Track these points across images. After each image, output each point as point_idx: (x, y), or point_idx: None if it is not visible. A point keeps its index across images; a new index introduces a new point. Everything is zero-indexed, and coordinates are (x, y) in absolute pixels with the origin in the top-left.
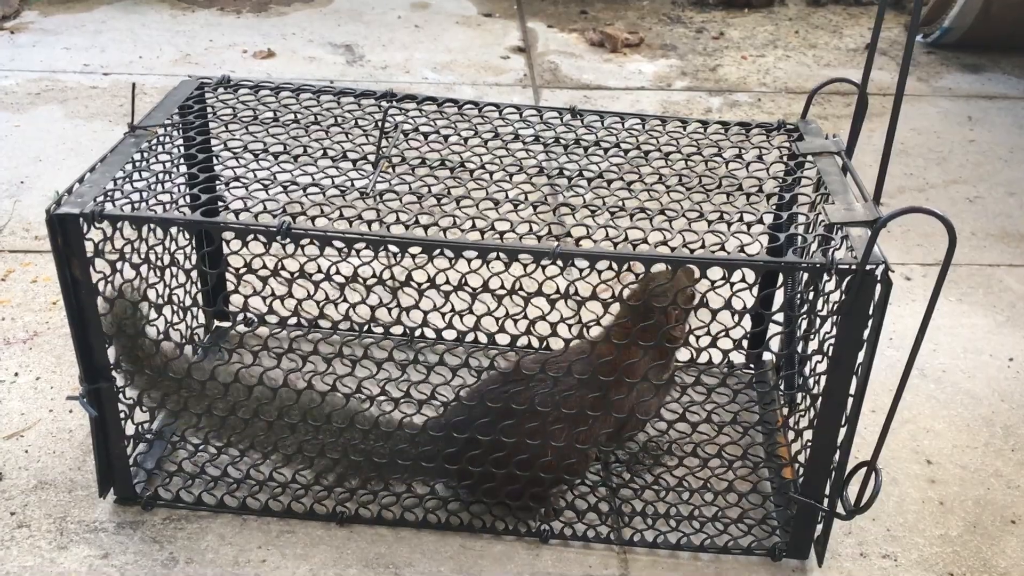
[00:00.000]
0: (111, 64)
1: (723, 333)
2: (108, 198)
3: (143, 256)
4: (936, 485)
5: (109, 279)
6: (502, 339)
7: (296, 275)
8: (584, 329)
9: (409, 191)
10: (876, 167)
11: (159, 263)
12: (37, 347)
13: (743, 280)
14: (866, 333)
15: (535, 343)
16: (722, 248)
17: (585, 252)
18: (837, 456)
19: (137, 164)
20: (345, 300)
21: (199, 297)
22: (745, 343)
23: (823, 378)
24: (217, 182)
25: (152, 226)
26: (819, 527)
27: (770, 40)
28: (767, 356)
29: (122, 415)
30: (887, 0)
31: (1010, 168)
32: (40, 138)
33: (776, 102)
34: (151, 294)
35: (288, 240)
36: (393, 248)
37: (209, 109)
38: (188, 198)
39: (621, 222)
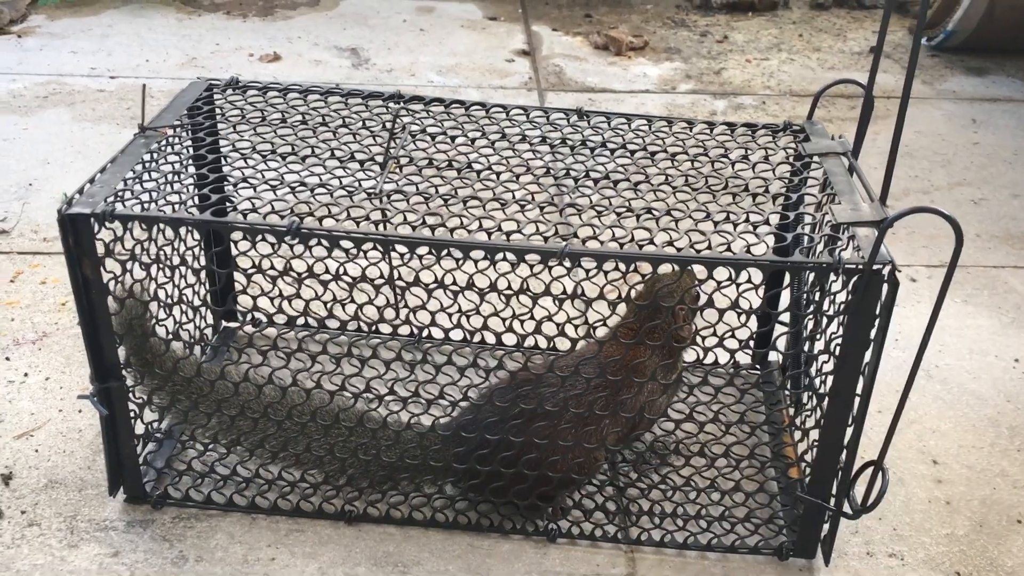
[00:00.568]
0: (118, 68)
1: (729, 333)
2: (119, 198)
3: (153, 256)
4: (942, 485)
5: (119, 279)
6: (509, 339)
7: (304, 275)
8: (591, 330)
9: (416, 192)
10: (881, 169)
11: (169, 263)
12: (46, 348)
13: (749, 281)
14: (873, 333)
15: (542, 343)
16: (728, 249)
17: (592, 252)
18: (844, 456)
19: (147, 165)
20: (353, 300)
21: (208, 297)
22: (752, 343)
23: (830, 378)
24: (226, 183)
25: (162, 226)
26: (826, 526)
27: (774, 43)
28: (773, 356)
29: (132, 414)
30: (893, 3)
31: (1014, 170)
32: (48, 141)
33: (780, 105)
34: (161, 294)
35: (297, 240)
36: (401, 248)
37: (218, 110)
38: (197, 198)
39: (627, 223)
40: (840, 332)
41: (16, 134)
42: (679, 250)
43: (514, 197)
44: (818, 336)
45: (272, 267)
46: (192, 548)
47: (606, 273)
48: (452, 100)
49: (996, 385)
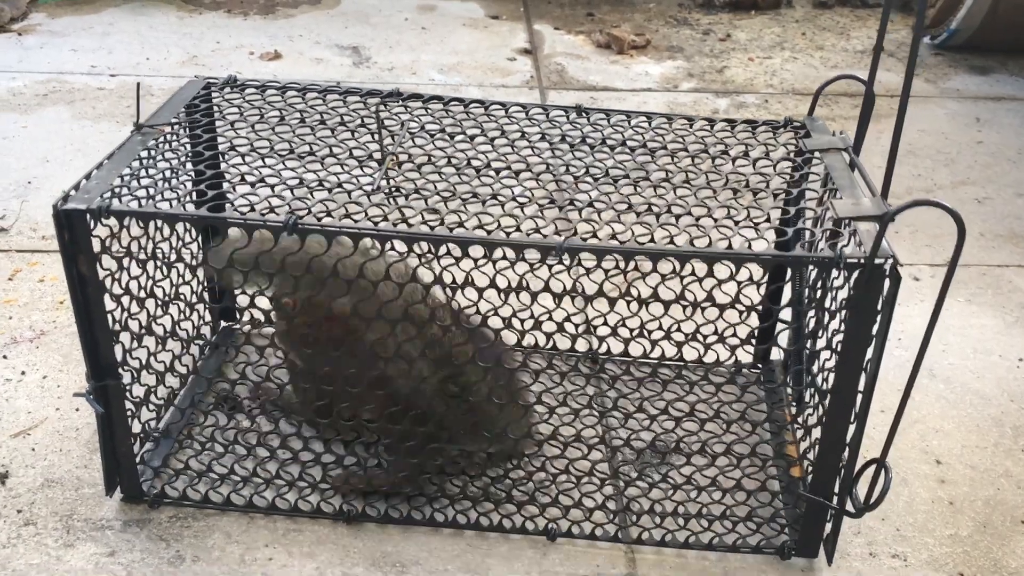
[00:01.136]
0: (118, 66)
1: (730, 330)
2: (115, 195)
3: (150, 253)
4: (946, 485)
5: (116, 276)
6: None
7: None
8: (590, 327)
9: (415, 189)
10: (884, 167)
11: (166, 260)
12: (44, 346)
13: (750, 277)
14: (875, 328)
15: (541, 340)
16: (729, 244)
17: (591, 247)
18: (846, 454)
19: (144, 162)
20: None
21: (205, 295)
22: (753, 340)
23: (831, 375)
24: (223, 180)
25: (159, 223)
26: (828, 525)
27: (777, 42)
28: (775, 353)
29: (129, 413)
30: (894, 2)
31: (1018, 169)
32: (47, 139)
33: (783, 103)
34: (157, 291)
35: (294, 236)
36: (398, 245)
37: (215, 108)
38: (194, 195)
39: (627, 219)
40: (842, 328)
41: (16, 132)
42: (679, 246)
43: (513, 194)
44: (820, 333)
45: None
46: (189, 548)
47: (606, 270)
48: (451, 98)
49: (1000, 385)
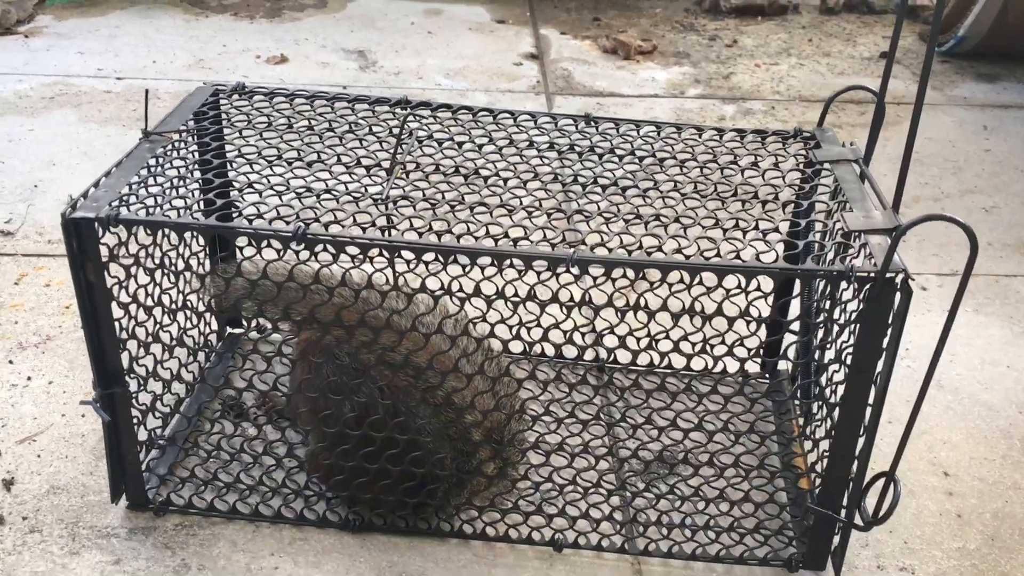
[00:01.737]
0: (125, 69)
1: (739, 342)
2: (123, 203)
3: (157, 261)
4: (953, 498)
5: (124, 284)
6: (516, 347)
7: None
8: (599, 337)
9: (423, 198)
10: (891, 176)
11: (173, 268)
12: (50, 351)
13: (759, 289)
14: (885, 342)
15: (549, 351)
16: (738, 256)
17: (601, 259)
18: (855, 466)
19: (152, 169)
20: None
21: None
22: (762, 352)
23: (840, 387)
24: (231, 188)
25: (166, 231)
26: (836, 538)
27: (784, 48)
28: (783, 365)
29: (135, 420)
30: (905, 9)
31: None
32: (54, 142)
33: (790, 110)
34: (164, 299)
35: (302, 246)
36: (407, 255)
37: (224, 115)
38: (202, 203)
39: (636, 230)
40: (851, 341)
41: (22, 135)
42: (688, 257)
43: (521, 203)
44: (829, 345)
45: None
46: (195, 556)
47: (614, 280)
48: (459, 106)
49: (1008, 396)
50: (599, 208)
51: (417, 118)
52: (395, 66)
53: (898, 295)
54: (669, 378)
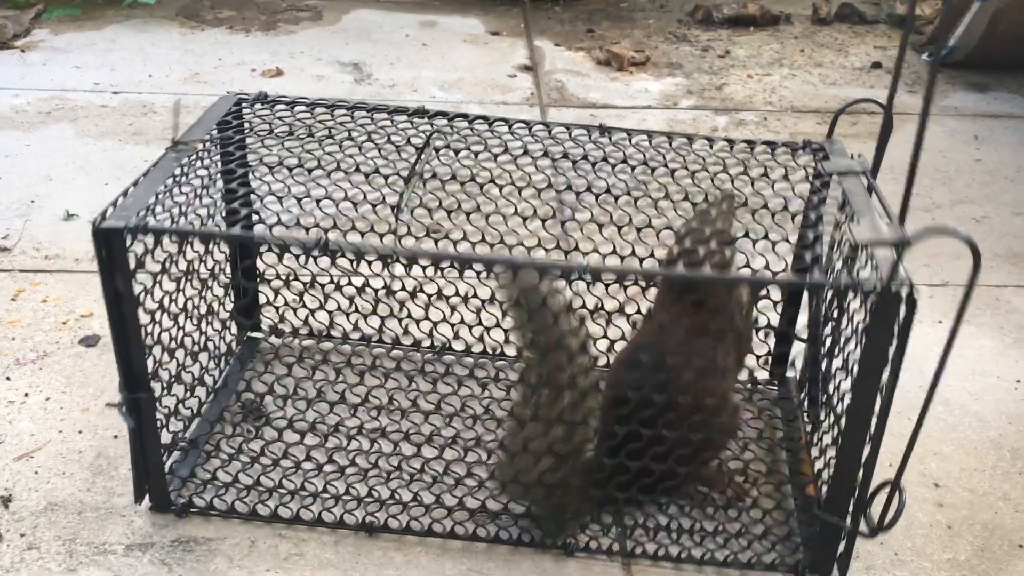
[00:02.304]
0: (121, 83)
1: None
2: (150, 212)
3: (183, 269)
4: (944, 509)
5: (150, 291)
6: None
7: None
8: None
9: (440, 207)
10: (889, 185)
11: (197, 275)
12: (47, 367)
13: (768, 298)
14: (891, 353)
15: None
16: (747, 266)
17: (613, 269)
18: (861, 474)
19: (177, 179)
20: (376, 313)
21: (233, 309)
22: (770, 360)
23: (847, 396)
24: (254, 197)
25: (191, 239)
26: (842, 545)
27: (776, 59)
28: (791, 374)
29: (159, 424)
30: (896, 18)
31: (1017, 188)
32: (50, 156)
33: (782, 121)
34: (189, 305)
35: (324, 255)
36: (424, 263)
37: (246, 124)
38: (225, 212)
39: (650, 240)
40: (858, 351)
41: (18, 150)
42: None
43: (536, 213)
44: (836, 354)
45: (296, 279)
46: (191, 572)
47: (607, 285)
48: (476, 116)
49: (998, 407)
50: (612, 218)
51: (435, 127)
52: (390, 78)
53: (903, 307)
54: None
